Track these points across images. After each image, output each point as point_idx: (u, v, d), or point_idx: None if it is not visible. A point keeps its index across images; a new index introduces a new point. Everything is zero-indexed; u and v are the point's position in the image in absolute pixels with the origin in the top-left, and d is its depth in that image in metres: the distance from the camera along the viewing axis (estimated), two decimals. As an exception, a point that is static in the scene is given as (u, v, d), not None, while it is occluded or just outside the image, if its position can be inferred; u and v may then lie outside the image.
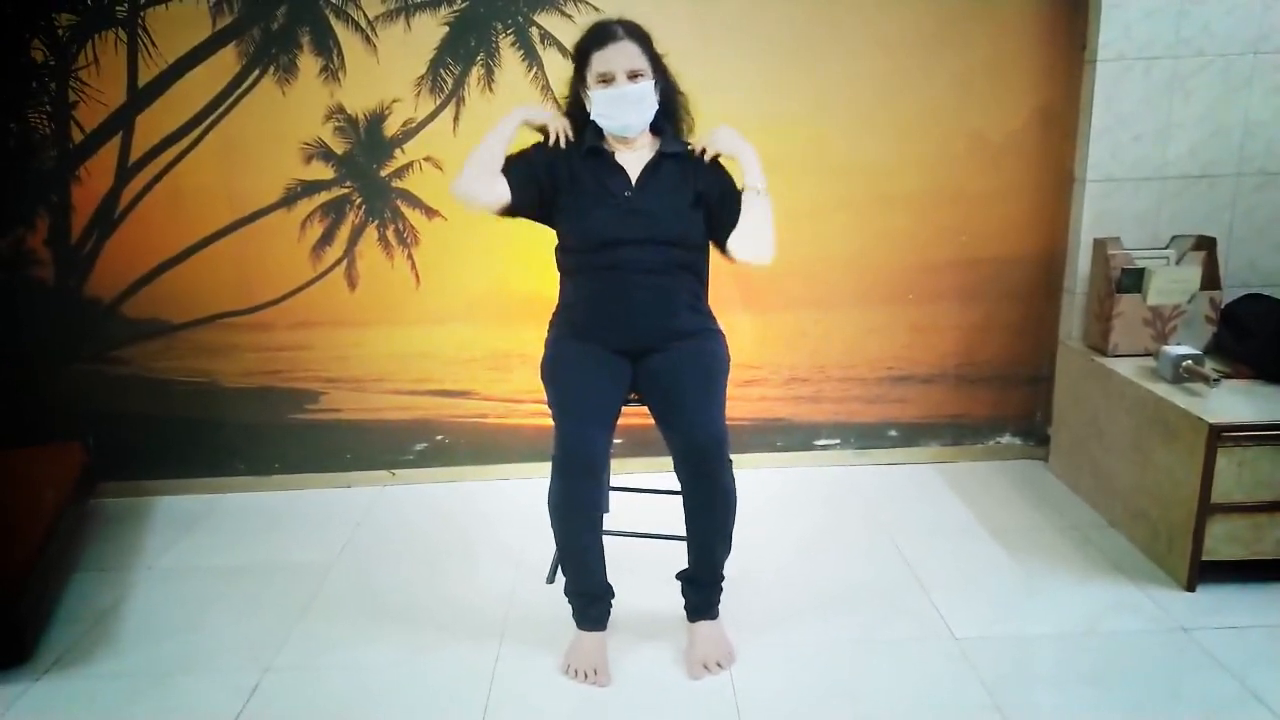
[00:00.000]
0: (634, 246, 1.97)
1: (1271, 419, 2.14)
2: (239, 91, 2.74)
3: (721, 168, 2.06)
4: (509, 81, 2.74)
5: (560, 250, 2.09)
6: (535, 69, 2.73)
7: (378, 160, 2.81)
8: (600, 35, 1.94)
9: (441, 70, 2.74)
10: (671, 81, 2.04)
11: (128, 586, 2.45)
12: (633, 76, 1.93)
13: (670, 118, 2.06)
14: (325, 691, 1.98)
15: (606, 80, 1.93)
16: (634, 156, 2.02)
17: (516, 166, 2.02)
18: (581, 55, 1.97)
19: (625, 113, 1.96)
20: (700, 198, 2.02)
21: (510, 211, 2.03)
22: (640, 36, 1.96)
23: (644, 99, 1.96)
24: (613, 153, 2.02)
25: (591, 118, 2.00)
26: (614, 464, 2.66)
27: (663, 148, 2.02)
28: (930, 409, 3.05)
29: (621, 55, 1.92)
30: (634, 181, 2.00)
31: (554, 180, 2.02)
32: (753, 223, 1.99)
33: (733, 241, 2.01)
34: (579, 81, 2.01)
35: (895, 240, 2.89)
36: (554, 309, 2.16)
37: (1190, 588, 2.22)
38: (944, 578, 2.33)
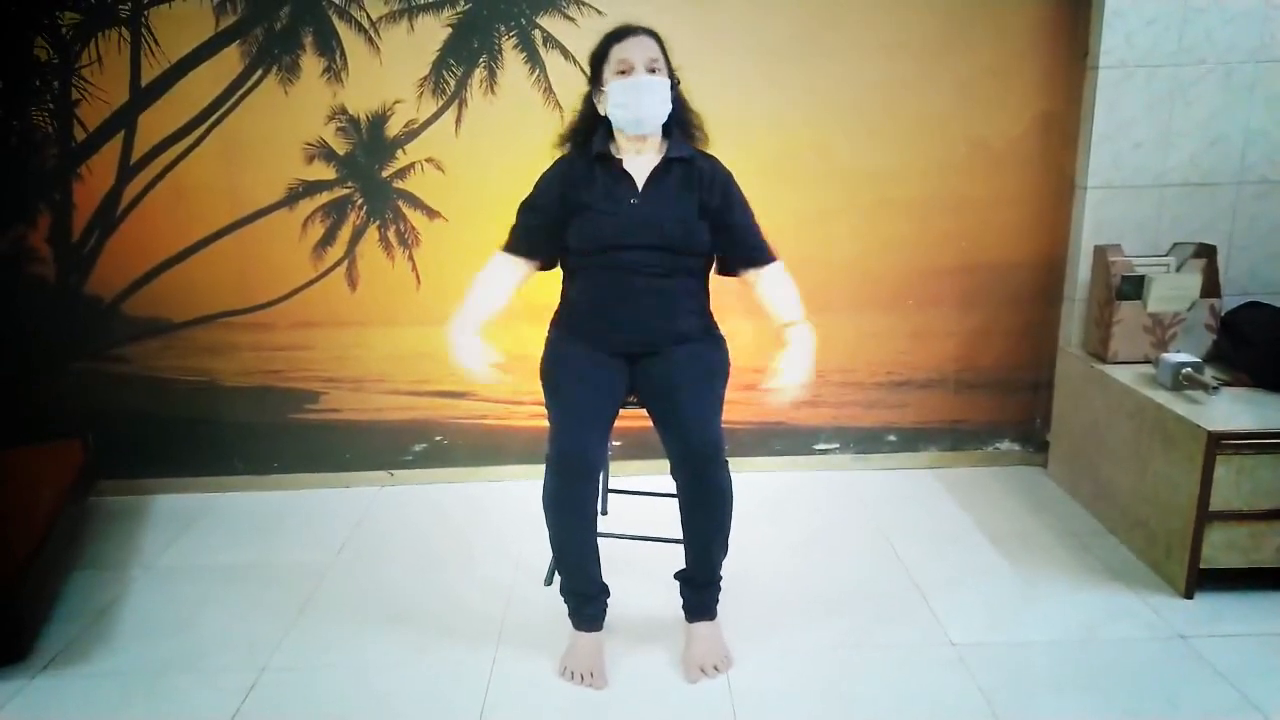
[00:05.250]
0: (637, 251, 1.97)
1: (1270, 427, 2.14)
2: (241, 91, 2.74)
3: (730, 190, 2.05)
4: (511, 83, 2.75)
5: (565, 250, 2.09)
6: (538, 71, 2.74)
7: (379, 161, 2.81)
8: (620, 31, 1.98)
9: (444, 72, 2.74)
10: (684, 98, 2.05)
11: (125, 585, 2.45)
12: (651, 69, 1.94)
13: (683, 129, 2.06)
14: (322, 691, 1.98)
15: (625, 70, 1.94)
16: (641, 161, 2.01)
17: (533, 227, 2.07)
18: (601, 52, 1.99)
19: (641, 102, 1.94)
20: (706, 210, 2.01)
21: (547, 267, 2.15)
22: (658, 39, 1.99)
23: (660, 91, 1.95)
24: (620, 159, 2.02)
25: (607, 112, 1.98)
26: (612, 466, 2.66)
27: (670, 153, 2.01)
28: (929, 414, 3.05)
29: (640, 48, 1.95)
30: (640, 188, 2.00)
31: (568, 211, 2.03)
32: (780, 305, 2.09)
33: (748, 278, 2.12)
34: (594, 84, 2.01)
35: (896, 245, 2.89)
36: (555, 310, 2.16)
37: (1188, 595, 2.22)
38: (942, 583, 2.33)
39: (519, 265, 2.10)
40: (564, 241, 2.06)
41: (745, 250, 2.09)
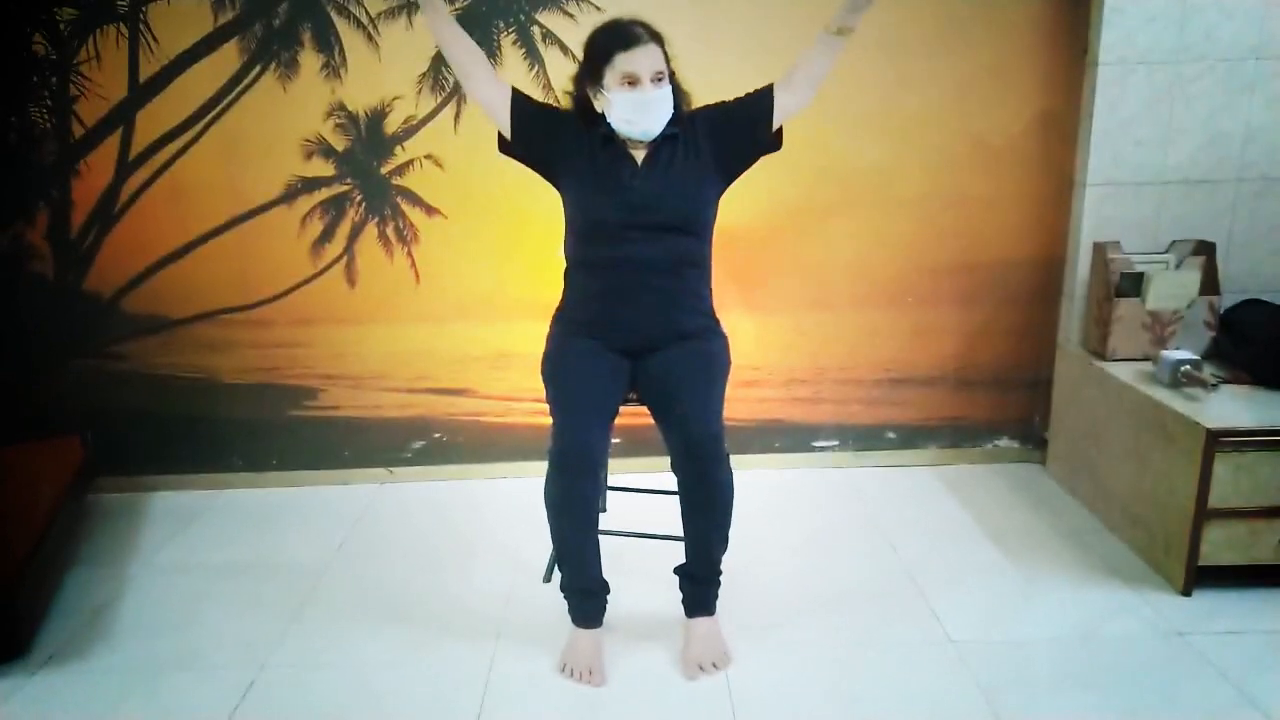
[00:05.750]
0: (641, 235, 1.95)
1: (1269, 424, 2.14)
2: (240, 88, 2.74)
3: (700, 111, 2.05)
4: (510, 79, 2.71)
5: (568, 238, 2.08)
6: (537, 67, 2.73)
7: (378, 157, 2.81)
8: (626, 37, 1.91)
9: (443, 68, 2.73)
10: (677, 82, 2.04)
11: (124, 582, 2.45)
12: (657, 80, 1.92)
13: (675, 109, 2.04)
14: (320, 689, 1.98)
15: (632, 83, 1.90)
16: (638, 149, 2.01)
17: (539, 108, 2.04)
18: (603, 54, 1.92)
19: (648, 118, 1.93)
20: (716, 149, 2.00)
21: (508, 142, 2.05)
22: (660, 39, 1.94)
23: (666, 102, 1.94)
24: (624, 141, 2.00)
25: (609, 119, 1.96)
26: (612, 463, 2.66)
27: (664, 131, 1.99)
28: (929, 411, 3.05)
29: (647, 58, 1.90)
30: (639, 168, 1.99)
31: (559, 143, 2.01)
32: (815, 66, 2.02)
33: (783, 105, 2.02)
34: (591, 77, 1.97)
35: (896, 243, 2.89)
36: (558, 304, 2.15)
37: (1187, 592, 2.22)
38: (941, 580, 2.33)
39: (500, 92, 2.02)
40: (566, 225, 2.05)
41: (753, 111, 2.02)
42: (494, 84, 2.03)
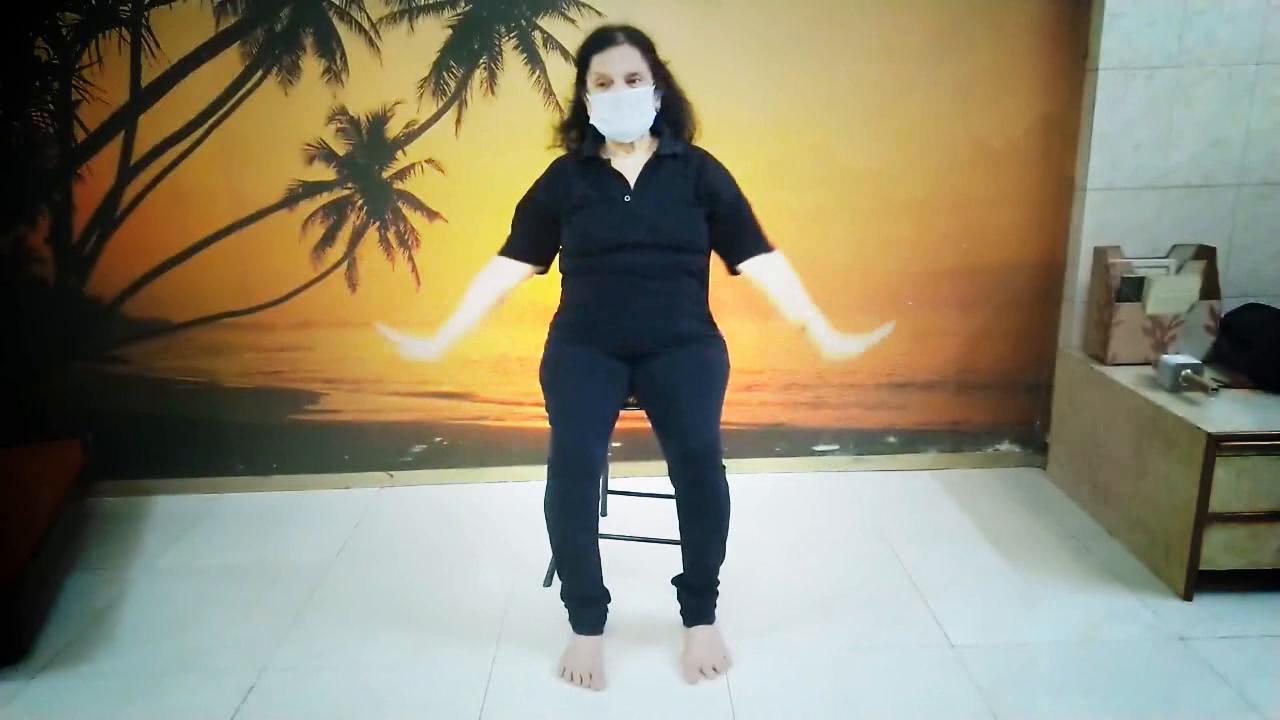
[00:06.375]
0: (636, 250, 1.97)
1: (1270, 429, 2.14)
2: (242, 92, 2.75)
3: (725, 174, 2.06)
4: (511, 84, 2.75)
5: (563, 254, 2.10)
6: (538, 72, 2.74)
7: (379, 162, 2.81)
8: (600, 40, 1.95)
9: (444, 73, 2.74)
10: (676, 89, 2.05)
11: (125, 585, 2.45)
12: (630, 81, 1.93)
13: (674, 125, 2.06)
14: (321, 692, 1.98)
15: (604, 84, 1.94)
16: (632, 161, 2.02)
17: (527, 228, 2.11)
18: (582, 59, 1.98)
19: (623, 117, 1.95)
20: (702, 198, 2.02)
21: (544, 270, 2.16)
22: (641, 42, 1.96)
23: (641, 103, 1.95)
24: (609, 159, 2.03)
25: (592, 121, 2.00)
26: (611, 468, 2.66)
27: (660, 149, 2.02)
28: (930, 416, 3.05)
29: (620, 59, 1.93)
30: (632, 185, 2.00)
31: (559, 207, 2.05)
32: (788, 294, 2.11)
33: (752, 269, 2.10)
34: (580, 86, 2.02)
35: (896, 247, 2.89)
36: (555, 312, 2.16)
37: (1188, 597, 2.22)
38: (941, 585, 2.33)
39: (515, 267, 2.12)
40: (560, 244, 2.07)
41: (742, 238, 2.07)
42: (503, 275, 2.13)
